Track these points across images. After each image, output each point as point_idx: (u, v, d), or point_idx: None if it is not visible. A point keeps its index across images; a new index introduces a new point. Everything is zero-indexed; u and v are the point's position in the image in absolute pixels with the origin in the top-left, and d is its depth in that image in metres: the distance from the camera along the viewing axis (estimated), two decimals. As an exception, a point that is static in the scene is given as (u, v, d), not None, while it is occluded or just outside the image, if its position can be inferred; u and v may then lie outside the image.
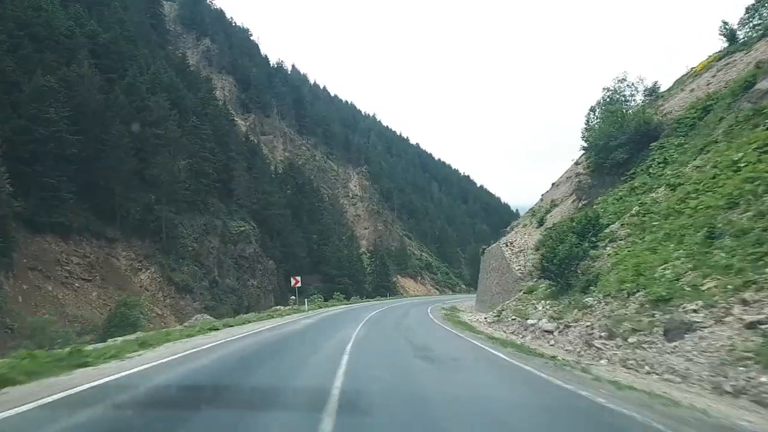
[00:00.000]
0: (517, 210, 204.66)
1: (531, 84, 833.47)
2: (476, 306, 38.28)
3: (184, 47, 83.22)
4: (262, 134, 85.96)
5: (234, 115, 73.47)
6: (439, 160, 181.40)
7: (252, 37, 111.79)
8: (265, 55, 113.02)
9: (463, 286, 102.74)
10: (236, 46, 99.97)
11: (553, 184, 37.85)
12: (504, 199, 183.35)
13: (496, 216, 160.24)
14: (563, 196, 32.43)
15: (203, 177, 47.29)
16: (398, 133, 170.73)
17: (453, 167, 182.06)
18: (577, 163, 33.13)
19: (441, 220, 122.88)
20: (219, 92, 78.69)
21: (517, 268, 28.17)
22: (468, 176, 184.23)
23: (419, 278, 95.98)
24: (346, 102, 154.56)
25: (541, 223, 31.27)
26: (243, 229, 50.60)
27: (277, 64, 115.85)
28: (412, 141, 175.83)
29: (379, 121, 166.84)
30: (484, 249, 40.88)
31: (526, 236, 31.81)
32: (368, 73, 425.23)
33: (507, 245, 32.28)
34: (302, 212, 63.81)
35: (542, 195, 38.50)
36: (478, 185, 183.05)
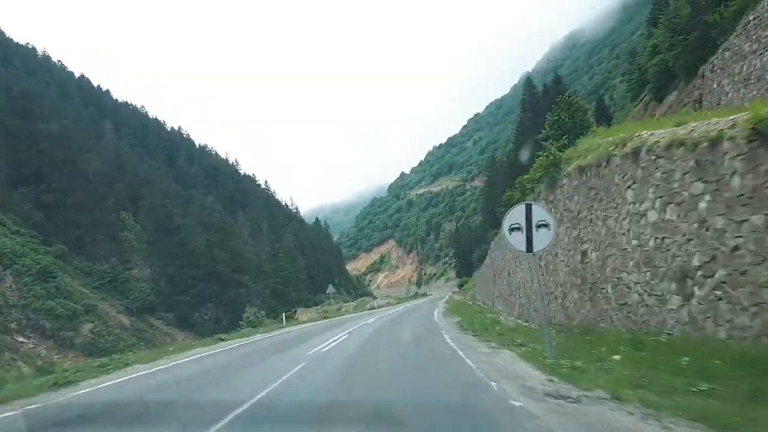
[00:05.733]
0: (266, 182, 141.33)
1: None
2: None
3: None
4: None
5: None
6: (126, 102, 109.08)
7: None
8: None
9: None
10: None
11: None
12: (246, 171, 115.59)
13: (231, 185, 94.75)
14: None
15: None
16: (28, 45, 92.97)
17: (151, 115, 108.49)
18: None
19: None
20: None
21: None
22: (179, 129, 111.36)
23: None
24: None
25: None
26: None
27: None
28: (72, 69, 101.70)
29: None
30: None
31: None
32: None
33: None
34: None
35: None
36: (198, 144, 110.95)
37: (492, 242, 30.48)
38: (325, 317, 31.77)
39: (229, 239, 36.86)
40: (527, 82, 61.50)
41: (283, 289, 46.78)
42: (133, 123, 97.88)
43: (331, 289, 33.91)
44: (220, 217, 38.02)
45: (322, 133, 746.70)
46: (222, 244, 35.51)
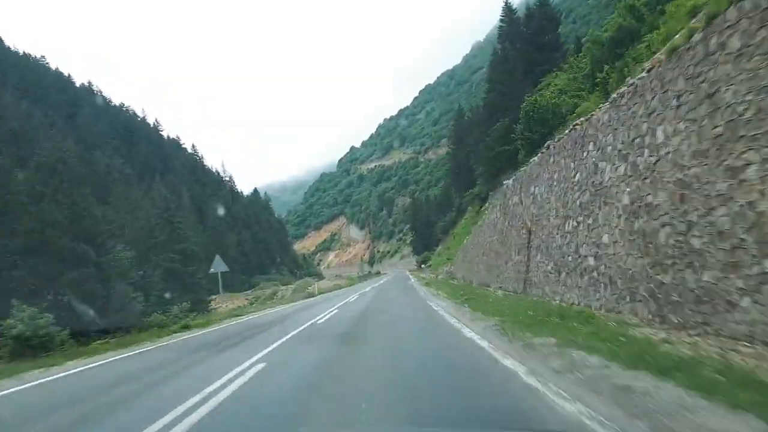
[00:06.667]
0: (194, 146, 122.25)
1: None
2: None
3: None
4: None
5: None
6: (23, 53, 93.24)
7: None
8: None
9: None
10: None
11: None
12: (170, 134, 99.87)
13: (148, 148, 79.48)
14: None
15: None
16: None
17: (53, 68, 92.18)
18: None
19: None
20: None
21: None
22: (89, 85, 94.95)
23: None
24: None
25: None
26: None
27: None
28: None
29: None
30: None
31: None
32: None
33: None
34: None
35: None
36: (121, 106, 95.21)
37: (506, 182, 18.28)
38: (207, 323, 17.03)
39: (71, 188, 22.11)
40: (506, 8, 49.59)
41: (182, 269, 32.23)
42: (30, 75, 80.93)
43: (218, 265, 20.28)
44: (53, 150, 22.82)
45: (266, 109, 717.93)
46: (57, 195, 21.10)
